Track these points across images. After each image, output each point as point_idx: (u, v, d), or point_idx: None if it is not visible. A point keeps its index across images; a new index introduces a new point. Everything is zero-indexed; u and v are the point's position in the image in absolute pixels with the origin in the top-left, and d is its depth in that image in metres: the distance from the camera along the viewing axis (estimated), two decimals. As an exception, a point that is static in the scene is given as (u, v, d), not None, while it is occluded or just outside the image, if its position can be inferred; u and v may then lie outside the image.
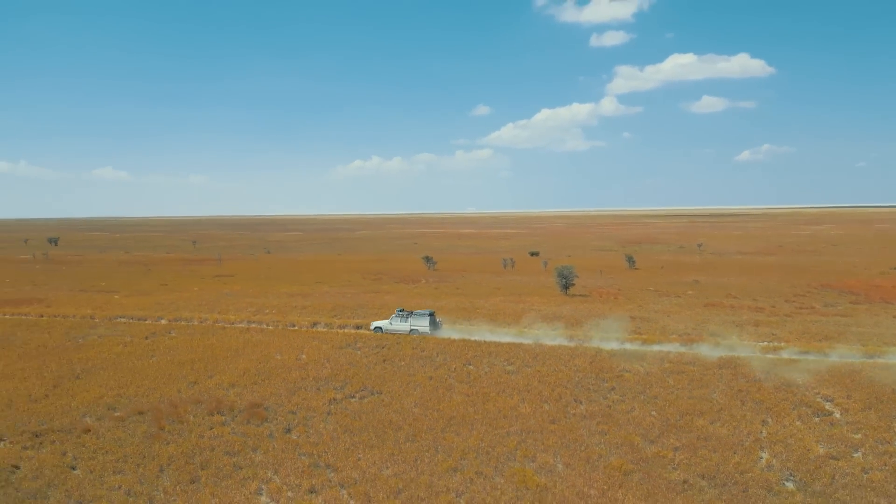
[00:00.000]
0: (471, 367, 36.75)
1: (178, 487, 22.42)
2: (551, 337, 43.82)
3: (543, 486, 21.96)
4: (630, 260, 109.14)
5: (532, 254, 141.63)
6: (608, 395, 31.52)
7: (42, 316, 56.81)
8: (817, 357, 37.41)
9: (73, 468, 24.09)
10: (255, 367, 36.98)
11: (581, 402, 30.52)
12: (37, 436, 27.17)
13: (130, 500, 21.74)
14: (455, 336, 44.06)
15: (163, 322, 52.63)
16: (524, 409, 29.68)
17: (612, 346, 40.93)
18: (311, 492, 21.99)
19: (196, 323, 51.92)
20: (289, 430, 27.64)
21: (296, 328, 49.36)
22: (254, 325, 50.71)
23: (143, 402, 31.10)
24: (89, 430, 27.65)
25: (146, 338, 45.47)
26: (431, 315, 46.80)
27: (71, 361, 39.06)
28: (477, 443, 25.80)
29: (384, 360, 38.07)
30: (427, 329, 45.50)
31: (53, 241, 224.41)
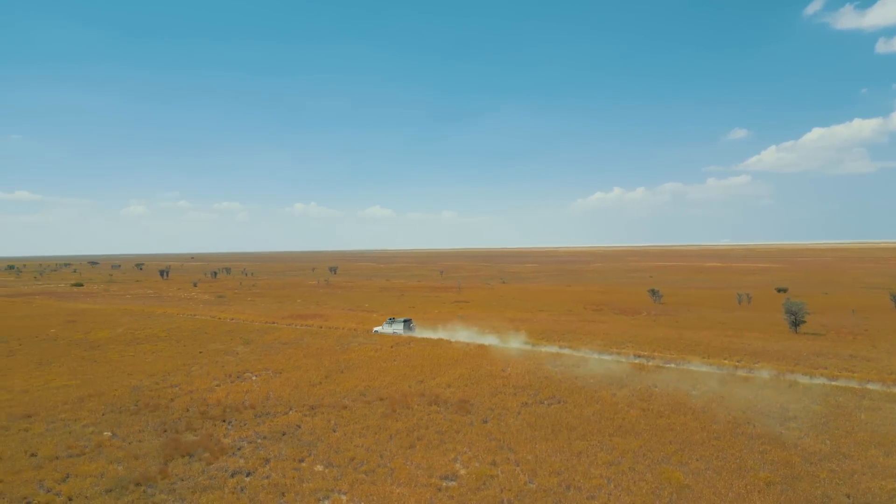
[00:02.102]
0: (656, 388, 39.80)
1: (400, 450, 30.40)
2: (749, 369, 44.18)
3: (685, 484, 25.19)
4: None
5: (779, 290, 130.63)
6: (786, 423, 32.37)
7: (321, 327, 72.87)
8: None
9: (334, 430, 33.69)
10: (468, 373, 44.77)
11: (754, 425, 32.00)
12: (312, 408, 37.94)
13: (368, 454, 30.20)
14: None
15: (406, 335, 64.16)
16: (693, 425, 32.31)
17: (812, 381, 40.17)
18: (493, 464, 28.21)
19: (431, 336, 62.33)
20: (485, 421, 34.30)
21: (508, 346, 56.57)
22: (473, 342, 59.16)
23: (384, 392, 40.62)
24: (346, 408, 37.62)
25: (391, 347, 56.70)
26: (406, 321, 67.15)
27: (339, 361, 51.17)
28: (637, 447, 29.57)
29: (575, 377, 42.98)
30: (402, 331, 66.01)
31: (333, 270, 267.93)
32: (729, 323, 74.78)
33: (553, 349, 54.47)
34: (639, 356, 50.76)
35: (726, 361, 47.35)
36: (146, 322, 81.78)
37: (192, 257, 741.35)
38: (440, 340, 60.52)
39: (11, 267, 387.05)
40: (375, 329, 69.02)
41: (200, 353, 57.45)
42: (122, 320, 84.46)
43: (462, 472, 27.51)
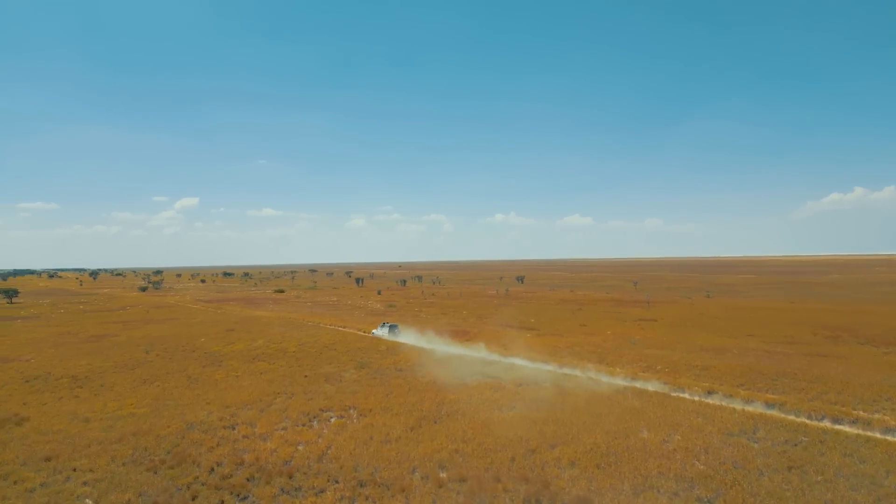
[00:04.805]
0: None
1: None
2: None
3: None
4: None
5: None
6: None
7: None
8: None
9: (362, 536, 21.63)
10: (609, 442, 29.51)
11: None
12: (361, 485, 26.15)
13: None
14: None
15: (547, 368, 49.73)
16: None
17: None
18: None
19: (578, 373, 47.23)
20: (604, 557, 19.55)
21: (684, 395, 39.40)
22: (632, 385, 42.80)
23: (471, 466, 27.46)
24: (404, 491, 25.22)
25: (517, 386, 42.73)
26: (392, 326, 74.17)
27: (442, 402, 38.89)
28: None
29: (790, 468, 25.43)
30: (387, 334, 71.88)
31: (520, 279, 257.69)
32: None
33: (756, 406, 36.06)
34: (908, 429, 30.75)
35: None
36: (290, 333, 77.65)
37: (399, 266, 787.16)
38: (585, 381, 44.93)
39: (246, 274, 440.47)
40: (373, 332, 75.82)
41: (305, 377, 49.28)
42: (272, 331, 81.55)
43: None
